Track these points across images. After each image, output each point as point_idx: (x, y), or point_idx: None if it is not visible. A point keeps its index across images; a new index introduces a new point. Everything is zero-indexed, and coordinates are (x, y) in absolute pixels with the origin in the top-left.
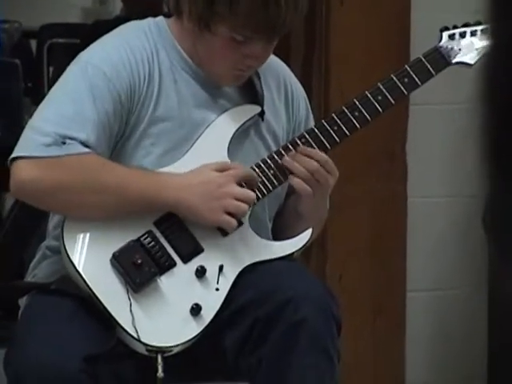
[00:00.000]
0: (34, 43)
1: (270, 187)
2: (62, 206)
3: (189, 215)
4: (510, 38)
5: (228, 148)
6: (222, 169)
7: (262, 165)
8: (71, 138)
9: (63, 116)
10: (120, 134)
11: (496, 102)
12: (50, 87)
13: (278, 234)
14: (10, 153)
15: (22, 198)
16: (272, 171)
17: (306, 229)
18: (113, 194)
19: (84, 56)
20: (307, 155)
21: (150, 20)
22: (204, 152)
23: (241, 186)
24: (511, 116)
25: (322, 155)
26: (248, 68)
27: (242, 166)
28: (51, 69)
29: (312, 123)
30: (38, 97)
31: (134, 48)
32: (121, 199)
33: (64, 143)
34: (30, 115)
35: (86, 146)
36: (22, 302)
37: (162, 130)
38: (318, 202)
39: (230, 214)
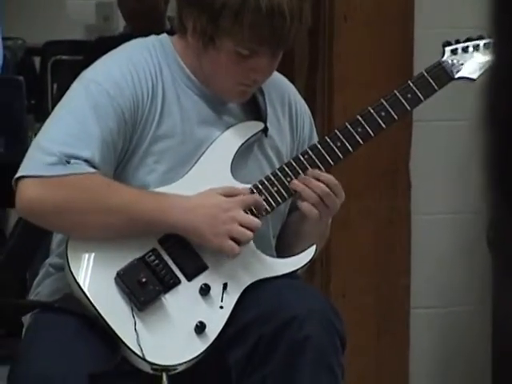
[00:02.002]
0: (37, 60)
1: (274, 204)
2: (66, 226)
3: (193, 237)
4: None
5: (231, 165)
6: (229, 193)
7: (266, 182)
8: (76, 158)
9: (68, 135)
10: (124, 151)
11: (498, 124)
12: (53, 104)
13: (281, 252)
14: (13, 169)
15: (26, 216)
16: (275, 188)
17: (310, 246)
18: (118, 215)
19: (87, 74)
20: (316, 178)
21: (153, 37)
22: (207, 169)
23: (247, 212)
24: None
25: (331, 178)
26: (253, 83)
27: (249, 191)
28: (55, 86)
29: (316, 141)
30: (41, 114)
31: (137, 65)
32: (126, 220)
33: (69, 162)
34: (34, 132)
35: (91, 164)
36: (26, 319)
37: (165, 147)
38: (322, 224)
39: (234, 239)
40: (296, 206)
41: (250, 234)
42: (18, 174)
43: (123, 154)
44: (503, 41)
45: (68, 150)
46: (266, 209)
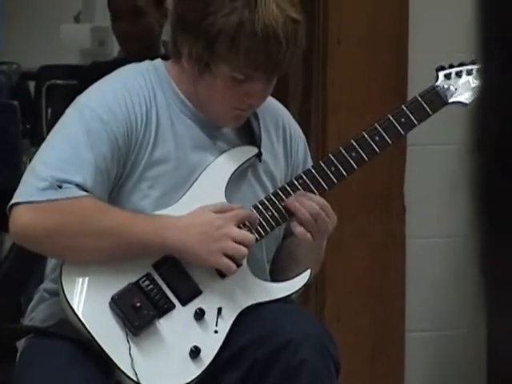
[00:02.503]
0: (32, 85)
1: (268, 229)
2: (59, 250)
3: (187, 257)
4: (500, 80)
5: (225, 190)
6: (220, 210)
7: (260, 206)
8: (68, 182)
9: (61, 160)
10: (118, 176)
11: (486, 149)
12: (48, 129)
13: (276, 276)
14: (8, 195)
15: (20, 242)
16: (270, 212)
17: (305, 270)
18: (110, 238)
19: (81, 99)
20: (307, 198)
21: (147, 62)
22: (201, 194)
23: (240, 227)
24: (502, 164)
25: (321, 199)
26: (248, 107)
27: (241, 206)
28: (49, 110)
29: (310, 165)
30: (36, 138)
31: (131, 91)
32: (118, 243)
33: (60, 187)
34: (29, 157)
35: (83, 188)
36: (20, 344)
37: (159, 172)
38: (315, 247)
39: (228, 256)
40: (290, 231)
41: (244, 249)
42: (12, 201)
43: (117, 180)
44: (490, 66)
45: (60, 175)
46: (261, 233)
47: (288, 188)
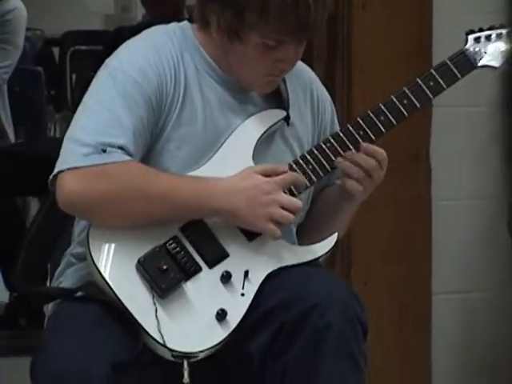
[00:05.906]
0: (56, 51)
1: (308, 184)
2: (108, 216)
3: (234, 220)
4: None
5: (253, 153)
6: (268, 173)
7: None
8: (111, 145)
9: (100, 124)
10: (150, 137)
11: None
12: (72, 94)
13: (309, 231)
14: (33, 159)
15: (68, 210)
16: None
17: (332, 233)
18: (159, 202)
19: (112, 62)
20: (369, 154)
21: (174, 25)
22: (229, 158)
23: (285, 192)
24: None
25: (383, 153)
26: (281, 72)
27: (287, 169)
28: (74, 76)
29: (337, 127)
30: (61, 104)
31: (160, 51)
32: (167, 207)
33: (105, 151)
34: (54, 122)
35: (126, 151)
36: (48, 309)
37: (186, 133)
38: (364, 197)
39: (275, 222)
40: (331, 182)
41: (291, 216)
42: (56, 170)
43: (148, 141)
44: None
45: (102, 139)
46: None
47: (315, 152)
